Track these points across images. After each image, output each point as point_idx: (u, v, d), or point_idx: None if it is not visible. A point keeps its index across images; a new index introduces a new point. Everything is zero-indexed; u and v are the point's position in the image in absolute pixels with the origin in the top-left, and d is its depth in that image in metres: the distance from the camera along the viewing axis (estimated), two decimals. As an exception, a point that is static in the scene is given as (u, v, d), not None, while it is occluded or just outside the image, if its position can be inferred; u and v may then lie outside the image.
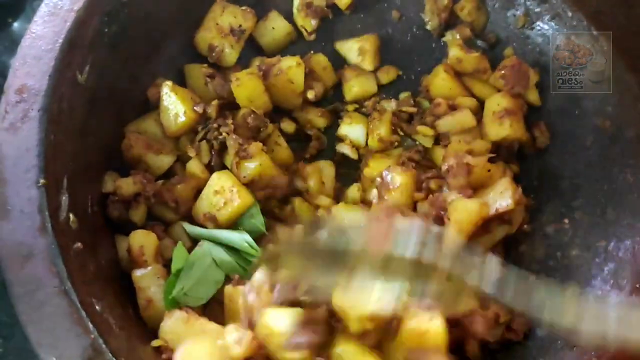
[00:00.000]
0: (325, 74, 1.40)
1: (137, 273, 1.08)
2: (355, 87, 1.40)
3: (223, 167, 1.24)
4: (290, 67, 1.29)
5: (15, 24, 1.78)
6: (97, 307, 0.94)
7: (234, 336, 0.97)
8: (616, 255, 1.13)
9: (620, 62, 1.17)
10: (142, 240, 1.12)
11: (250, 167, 1.20)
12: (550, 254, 1.23)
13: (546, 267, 1.23)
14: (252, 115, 1.24)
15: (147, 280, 1.08)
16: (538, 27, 1.32)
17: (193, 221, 1.20)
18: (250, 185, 1.20)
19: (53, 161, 1.01)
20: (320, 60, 1.40)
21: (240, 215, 1.18)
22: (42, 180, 0.97)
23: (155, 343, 1.01)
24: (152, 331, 1.04)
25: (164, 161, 1.23)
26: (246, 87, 1.26)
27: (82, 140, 1.10)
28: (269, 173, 1.22)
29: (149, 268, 1.09)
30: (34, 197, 0.96)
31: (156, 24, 1.28)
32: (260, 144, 1.22)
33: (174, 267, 1.10)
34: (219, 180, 1.18)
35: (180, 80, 1.33)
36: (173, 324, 1.02)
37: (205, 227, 1.18)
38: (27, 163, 0.98)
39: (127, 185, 1.14)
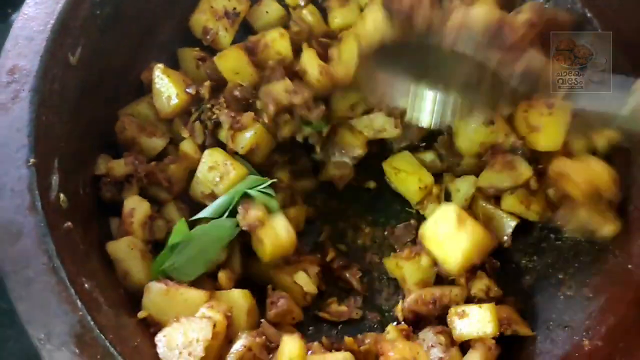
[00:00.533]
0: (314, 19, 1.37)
1: (111, 244, 1.09)
2: (337, 18, 1.38)
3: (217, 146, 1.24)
4: (275, 40, 1.28)
5: (15, 16, 1.79)
6: (86, 286, 0.95)
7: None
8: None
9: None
10: (136, 204, 1.14)
11: (246, 137, 1.21)
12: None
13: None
14: (238, 88, 1.24)
15: (122, 252, 1.08)
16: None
17: (188, 201, 1.21)
18: (249, 155, 1.21)
19: (44, 141, 1.01)
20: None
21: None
22: (32, 160, 0.97)
23: (140, 314, 1.01)
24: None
25: (157, 143, 1.23)
26: (228, 58, 1.26)
27: (74, 121, 1.10)
28: (265, 141, 1.23)
29: (123, 239, 1.10)
30: (24, 176, 0.97)
31: (149, 6, 1.28)
32: (252, 114, 1.22)
33: (172, 240, 1.10)
34: (212, 157, 1.19)
35: (174, 64, 1.33)
36: (154, 298, 1.03)
37: (205, 205, 1.18)
38: (18, 143, 0.99)
39: (119, 167, 1.15)
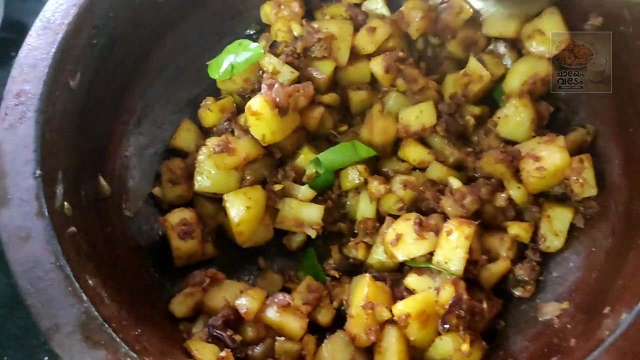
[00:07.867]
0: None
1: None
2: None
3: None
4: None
5: (18, 58, 1.89)
6: (90, 282, 1.03)
7: None
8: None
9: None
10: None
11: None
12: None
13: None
14: None
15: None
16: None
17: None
18: None
19: (48, 156, 1.11)
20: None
21: None
22: (38, 172, 1.07)
23: None
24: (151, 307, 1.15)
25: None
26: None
27: (75, 139, 1.19)
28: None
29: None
30: (32, 186, 1.06)
31: (140, 37, 1.39)
32: None
33: None
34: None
35: (164, 87, 1.45)
36: None
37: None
38: (25, 157, 1.08)
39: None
